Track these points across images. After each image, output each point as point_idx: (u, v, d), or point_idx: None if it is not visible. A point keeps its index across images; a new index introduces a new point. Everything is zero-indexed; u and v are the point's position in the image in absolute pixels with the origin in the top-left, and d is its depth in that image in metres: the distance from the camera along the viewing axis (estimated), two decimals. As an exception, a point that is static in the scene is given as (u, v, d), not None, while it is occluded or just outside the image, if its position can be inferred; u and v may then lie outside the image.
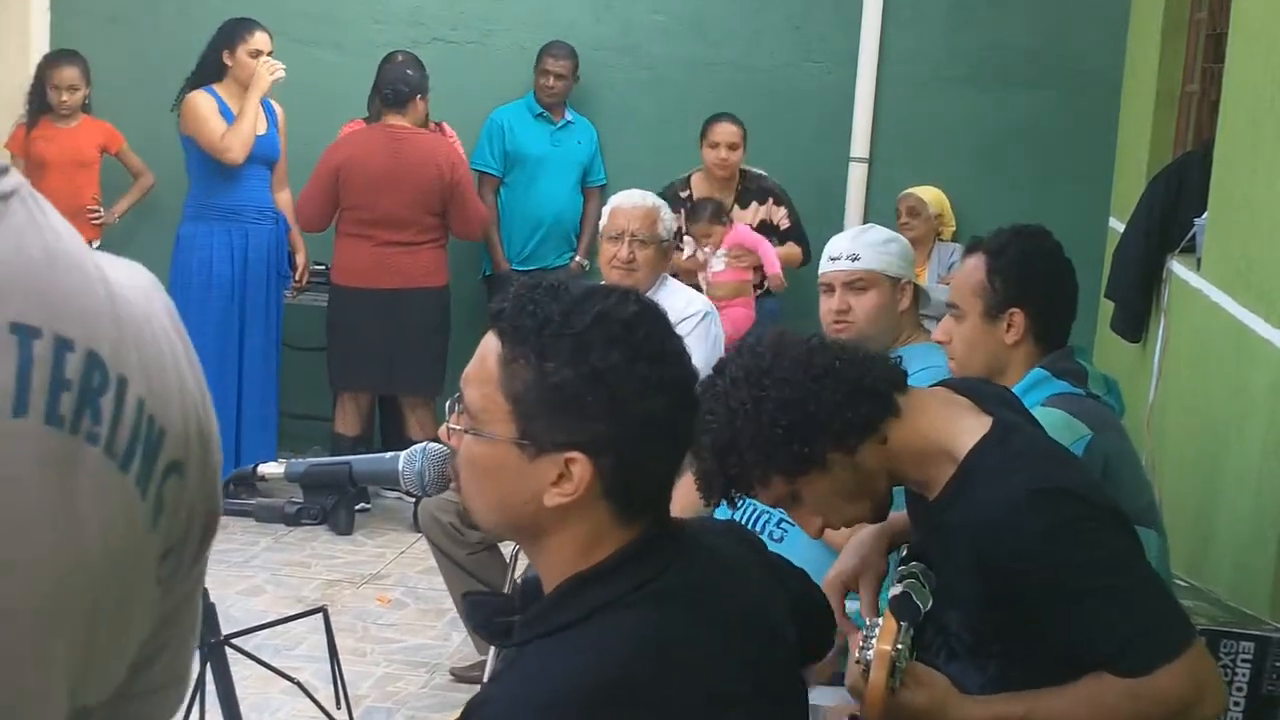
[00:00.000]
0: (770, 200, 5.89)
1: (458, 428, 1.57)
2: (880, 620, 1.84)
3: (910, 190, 6.05)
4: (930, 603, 1.91)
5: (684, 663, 1.50)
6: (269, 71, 5.52)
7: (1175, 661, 1.88)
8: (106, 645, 0.92)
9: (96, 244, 5.98)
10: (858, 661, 1.80)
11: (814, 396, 1.92)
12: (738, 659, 1.57)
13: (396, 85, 5.53)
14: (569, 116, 6.22)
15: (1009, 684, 1.95)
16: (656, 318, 1.55)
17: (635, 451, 1.51)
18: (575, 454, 1.48)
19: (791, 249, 5.87)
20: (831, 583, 2.29)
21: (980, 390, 2.14)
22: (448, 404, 1.62)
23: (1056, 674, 1.93)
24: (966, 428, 2.01)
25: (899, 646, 1.73)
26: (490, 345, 1.54)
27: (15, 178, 0.89)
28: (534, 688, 1.46)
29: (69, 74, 5.91)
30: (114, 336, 0.89)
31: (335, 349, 5.72)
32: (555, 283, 1.54)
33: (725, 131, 5.79)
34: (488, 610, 1.70)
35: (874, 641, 1.80)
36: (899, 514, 2.50)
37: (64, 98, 5.90)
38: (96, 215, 5.98)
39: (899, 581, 1.90)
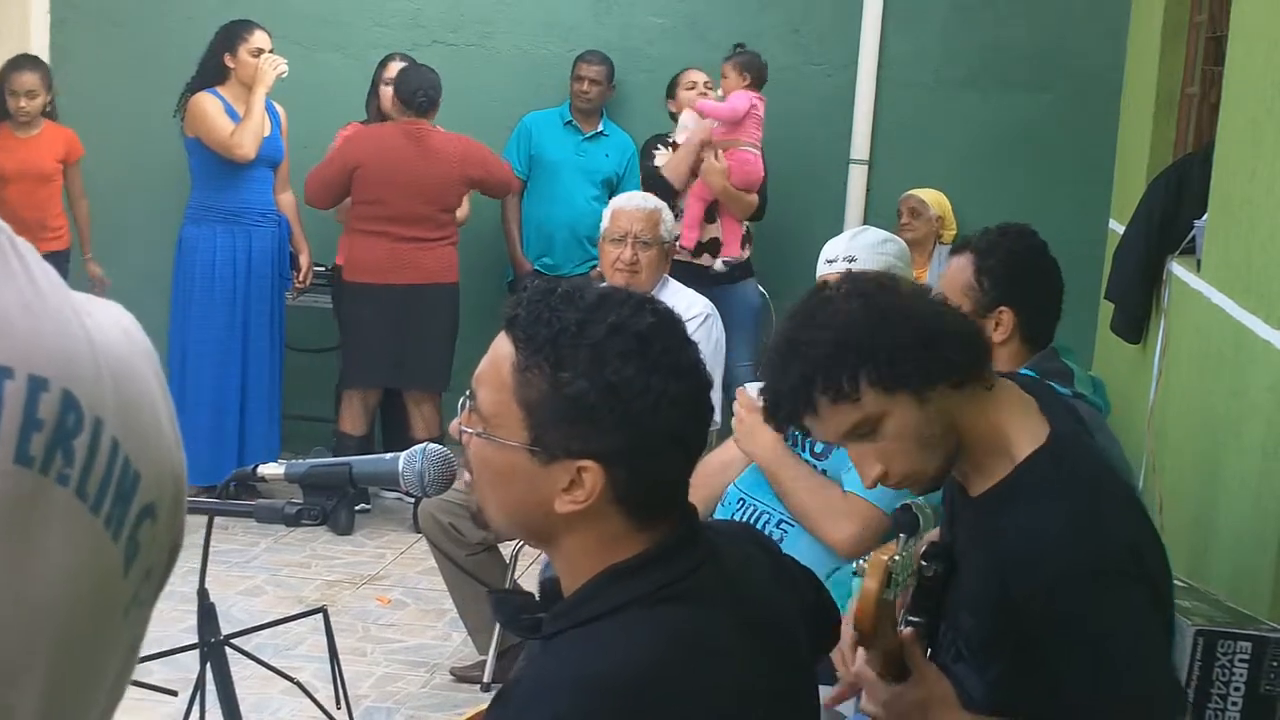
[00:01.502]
0: None
1: (470, 430, 1.57)
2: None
3: (912, 192, 6.06)
4: (934, 526, 1.87)
5: (714, 659, 1.51)
6: (272, 67, 5.51)
7: None
8: (75, 693, 0.89)
9: (64, 253, 5.84)
10: (855, 573, 1.78)
11: (937, 320, 1.95)
12: (762, 659, 1.58)
13: (429, 92, 5.52)
14: (602, 128, 6.22)
15: (1009, 690, 1.95)
16: (672, 328, 1.54)
17: (648, 462, 1.51)
18: (587, 463, 1.48)
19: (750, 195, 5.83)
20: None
21: (1042, 391, 2.12)
22: (460, 401, 1.62)
23: (1044, 701, 1.93)
24: (1030, 432, 1.99)
25: (896, 557, 1.70)
26: (504, 350, 1.53)
27: None
28: (568, 671, 1.47)
29: (28, 79, 5.77)
30: (92, 376, 0.88)
31: (347, 346, 5.72)
32: (570, 289, 1.53)
33: (694, 76, 5.93)
34: (514, 606, 1.70)
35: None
36: None
37: (22, 103, 5.76)
38: (58, 234, 5.86)
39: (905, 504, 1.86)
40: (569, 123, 6.20)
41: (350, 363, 5.72)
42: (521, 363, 1.50)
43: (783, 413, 1.97)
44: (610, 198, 6.03)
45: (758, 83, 5.77)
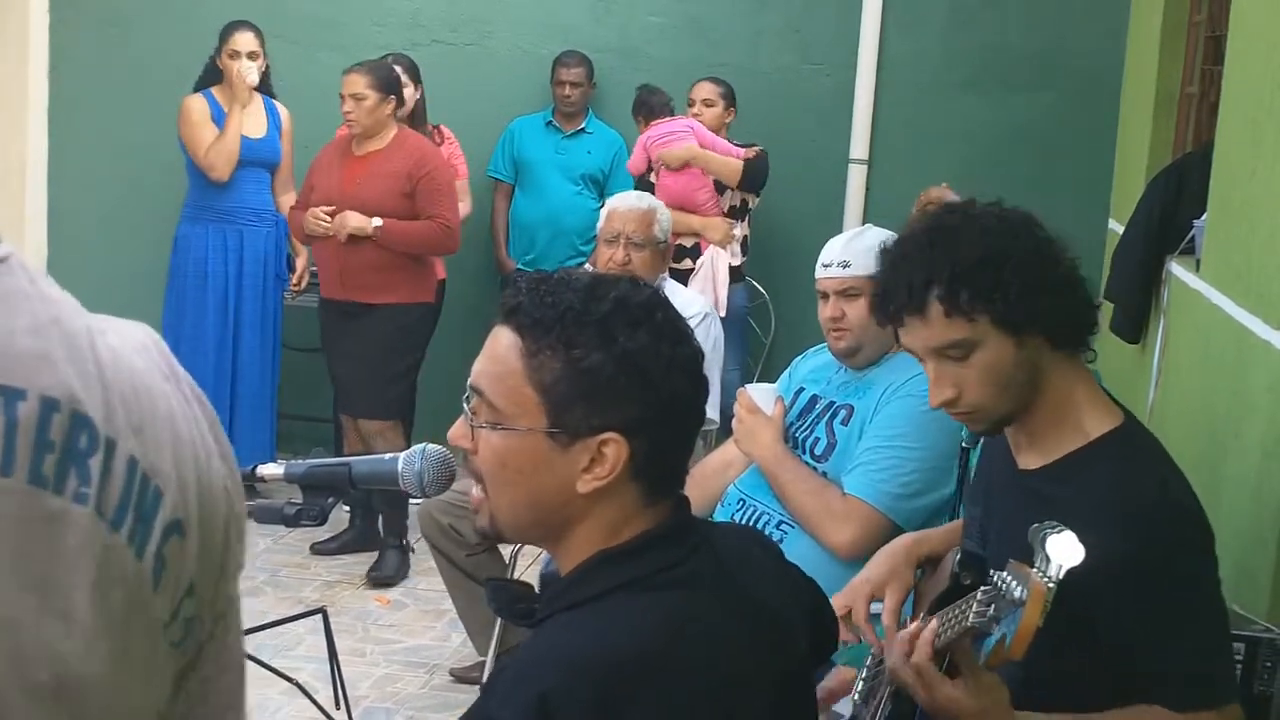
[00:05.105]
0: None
1: (483, 425, 1.56)
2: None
3: (932, 189, 5.99)
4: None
5: (706, 644, 1.51)
6: (241, 80, 5.46)
7: (1220, 710, 1.91)
8: (108, 702, 0.91)
9: None
10: (967, 628, 1.75)
11: (1071, 274, 2.01)
12: (756, 652, 1.58)
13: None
14: (585, 126, 6.23)
15: (1048, 678, 1.94)
16: (665, 300, 1.60)
17: (664, 429, 1.55)
18: (611, 435, 1.50)
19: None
20: (859, 588, 2.28)
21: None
22: (464, 399, 1.61)
23: (1095, 675, 1.94)
24: (1105, 413, 2.04)
25: (1051, 585, 1.64)
26: (507, 340, 1.54)
27: (4, 247, 0.90)
28: (556, 652, 1.47)
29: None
30: (102, 399, 0.90)
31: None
32: (562, 275, 1.58)
33: (703, 89, 5.93)
34: (510, 595, 1.71)
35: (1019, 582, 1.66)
36: (932, 531, 2.49)
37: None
38: None
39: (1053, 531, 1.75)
40: (549, 123, 6.23)
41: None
42: (531, 347, 1.52)
43: (892, 306, 2.00)
44: (598, 193, 6.09)
45: (652, 118, 5.88)
